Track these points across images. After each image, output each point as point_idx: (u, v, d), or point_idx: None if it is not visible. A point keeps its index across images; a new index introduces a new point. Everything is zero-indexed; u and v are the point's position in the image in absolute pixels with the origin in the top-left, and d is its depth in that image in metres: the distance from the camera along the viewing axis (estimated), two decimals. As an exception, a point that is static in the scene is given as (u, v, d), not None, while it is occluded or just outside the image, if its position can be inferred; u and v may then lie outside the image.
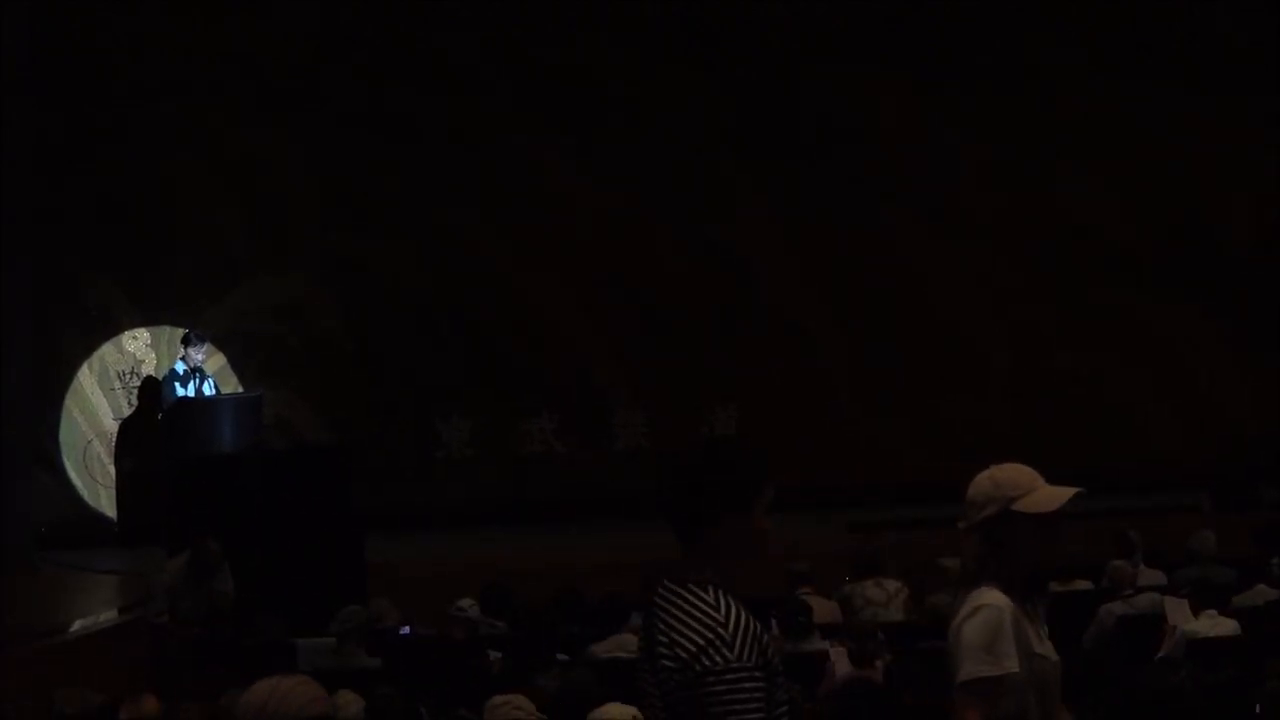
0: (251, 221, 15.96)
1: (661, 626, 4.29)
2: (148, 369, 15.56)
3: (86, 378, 15.63)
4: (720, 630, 4.21)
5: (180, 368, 14.53)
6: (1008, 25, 16.82)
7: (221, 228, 15.91)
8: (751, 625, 4.24)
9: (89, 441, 15.61)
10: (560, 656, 9.42)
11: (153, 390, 14.89)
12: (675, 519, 4.34)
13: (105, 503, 15.46)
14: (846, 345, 16.68)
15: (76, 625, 11.83)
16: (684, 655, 4.22)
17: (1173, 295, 16.90)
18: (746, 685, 4.19)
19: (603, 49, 16.40)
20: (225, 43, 15.84)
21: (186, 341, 14.63)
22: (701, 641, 4.21)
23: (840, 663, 9.24)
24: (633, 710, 6.86)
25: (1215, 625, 9.69)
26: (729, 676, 4.18)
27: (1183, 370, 16.97)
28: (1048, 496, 4.54)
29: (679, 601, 4.28)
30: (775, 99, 16.59)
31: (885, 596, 10.83)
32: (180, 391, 14.34)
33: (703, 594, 4.26)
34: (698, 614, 4.24)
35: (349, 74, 16.03)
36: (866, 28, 16.65)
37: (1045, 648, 4.56)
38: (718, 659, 4.19)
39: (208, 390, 14.43)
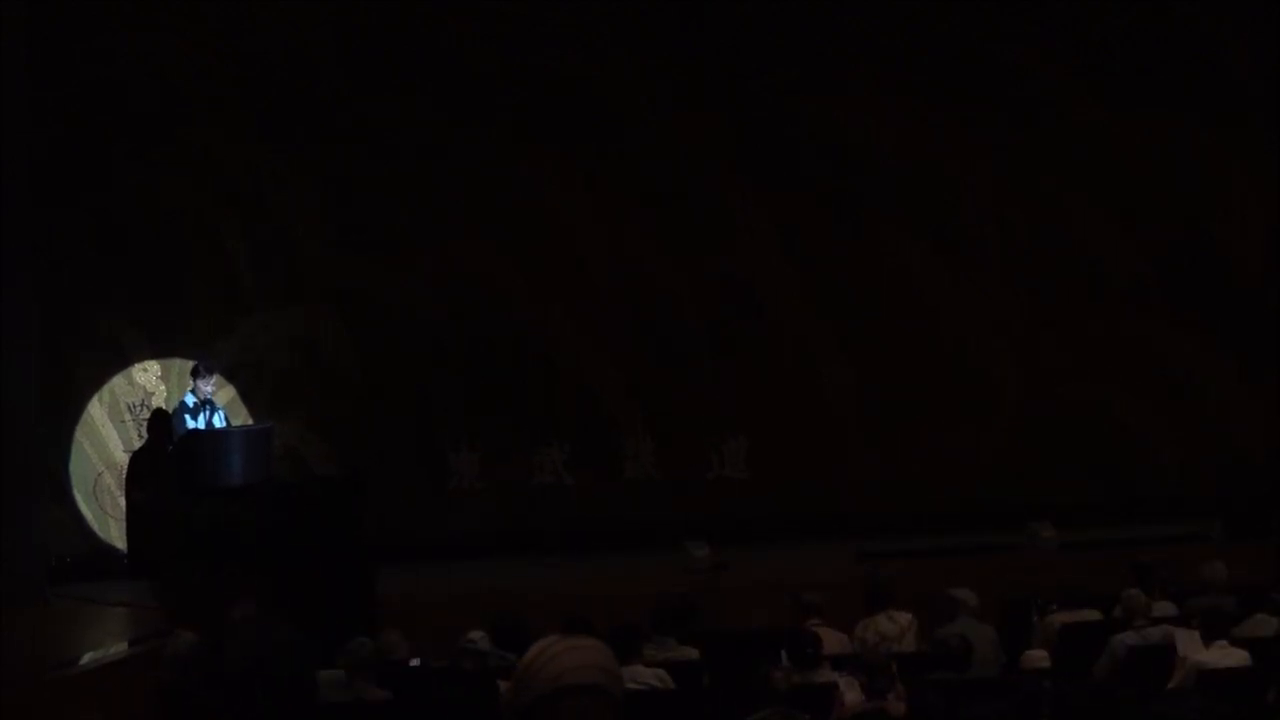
0: (261, 253, 15.98)
1: None
2: (158, 401, 15.56)
3: (97, 410, 15.64)
4: None
5: (190, 400, 14.50)
6: (1015, 52, 16.86)
7: (231, 259, 15.94)
8: None
9: (99, 473, 15.61)
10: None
11: (163, 422, 14.86)
12: None
13: (115, 535, 15.44)
14: (855, 375, 16.68)
15: (87, 657, 11.79)
16: None
17: (1181, 323, 16.92)
18: None
19: (616, 80, 16.44)
20: (235, 72, 15.89)
21: (196, 373, 14.59)
22: None
23: (850, 693, 9.21)
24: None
25: (1225, 656, 9.67)
26: None
27: (1191, 398, 16.96)
28: None
29: None
30: (784, 130, 16.63)
31: (898, 630, 10.79)
32: (190, 423, 14.32)
33: None
34: None
35: (359, 104, 16.06)
36: (874, 55, 16.69)
37: None
38: None
39: (218, 422, 14.41)
